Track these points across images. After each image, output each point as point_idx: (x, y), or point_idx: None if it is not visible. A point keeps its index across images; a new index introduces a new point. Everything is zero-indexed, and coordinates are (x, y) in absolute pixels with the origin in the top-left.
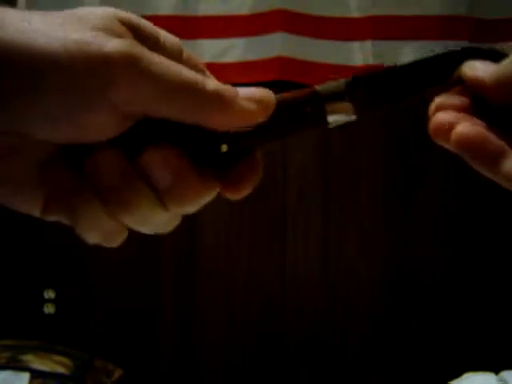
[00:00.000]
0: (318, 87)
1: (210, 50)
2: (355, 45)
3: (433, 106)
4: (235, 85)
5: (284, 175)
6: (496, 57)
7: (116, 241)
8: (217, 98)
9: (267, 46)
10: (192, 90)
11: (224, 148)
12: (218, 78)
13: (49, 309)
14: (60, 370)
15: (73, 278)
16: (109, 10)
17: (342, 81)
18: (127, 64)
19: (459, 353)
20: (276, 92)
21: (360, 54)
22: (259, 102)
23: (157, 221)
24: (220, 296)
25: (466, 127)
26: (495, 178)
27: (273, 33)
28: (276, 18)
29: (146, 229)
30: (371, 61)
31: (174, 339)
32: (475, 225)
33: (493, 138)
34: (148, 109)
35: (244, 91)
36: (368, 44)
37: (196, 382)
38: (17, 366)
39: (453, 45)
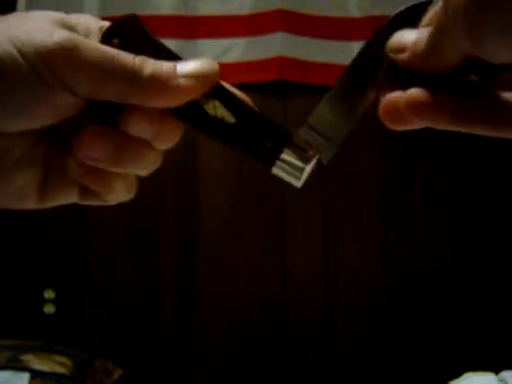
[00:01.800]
0: (295, 133)
1: (210, 49)
2: (355, 45)
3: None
4: (235, 85)
5: None
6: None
7: (127, 193)
8: (153, 81)
9: (267, 45)
10: (128, 75)
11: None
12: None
13: (49, 309)
14: (60, 370)
15: (73, 278)
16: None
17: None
18: (67, 56)
19: (459, 353)
20: (278, 94)
21: None
22: (197, 77)
23: (149, 161)
24: (220, 296)
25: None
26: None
27: (273, 33)
28: (276, 17)
29: (141, 171)
30: None
31: (174, 339)
32: (475, 225)
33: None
34: (90, 94)
35: (183, 67)
36: None
37: (196, 382)
38: (17, 366)
39: None
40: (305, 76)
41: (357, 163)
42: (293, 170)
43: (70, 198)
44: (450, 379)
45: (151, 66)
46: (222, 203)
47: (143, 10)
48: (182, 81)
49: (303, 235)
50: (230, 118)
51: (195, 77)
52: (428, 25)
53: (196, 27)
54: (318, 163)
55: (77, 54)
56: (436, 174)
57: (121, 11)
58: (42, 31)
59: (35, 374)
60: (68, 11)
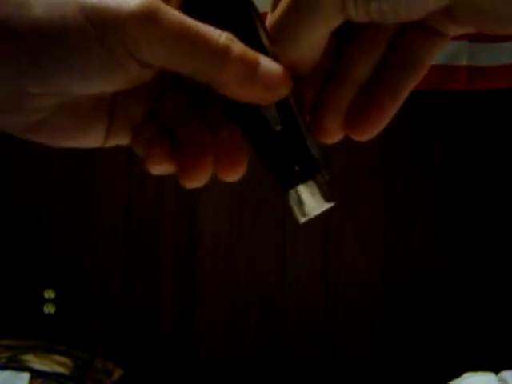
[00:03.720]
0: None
1: None
2: None
3: None
4: None
5: None
6: None
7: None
8: (236, 67)
9: None
10: (209, 54)
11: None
12: None
13: (49, 309)
14: (60, 370)
15: (73, 278)
16: None
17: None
18: (145, 25)
19: (459, 353)
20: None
21: None
22: (275, 85)
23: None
24: (220, 296)
25: None
26: None
27: None
28: None
29: None
30: None
31: (174, 339)
32: (475, 225)
33: None
34: (164, 68)
35: (266, 67)
36: None
37: (196, 382)
38: (17, 366)
39: (453, 44)
40: None
41: (356, 164)
42: (304, 205)
43: (125, 142)
44: (450, 379)
45: (237, 49)
46: (222, 203)
47: None
48: (267, 77)
49: (303, 235)
50: (276, 125)
51: (271, 87)
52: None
53: None
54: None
55: (154, 26)
56: (435, 174)
57: None
58: None
59: (35, 374)
60: None
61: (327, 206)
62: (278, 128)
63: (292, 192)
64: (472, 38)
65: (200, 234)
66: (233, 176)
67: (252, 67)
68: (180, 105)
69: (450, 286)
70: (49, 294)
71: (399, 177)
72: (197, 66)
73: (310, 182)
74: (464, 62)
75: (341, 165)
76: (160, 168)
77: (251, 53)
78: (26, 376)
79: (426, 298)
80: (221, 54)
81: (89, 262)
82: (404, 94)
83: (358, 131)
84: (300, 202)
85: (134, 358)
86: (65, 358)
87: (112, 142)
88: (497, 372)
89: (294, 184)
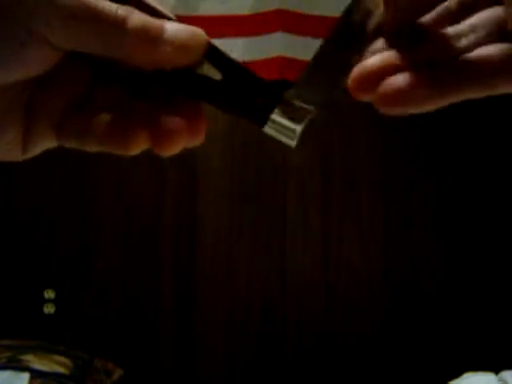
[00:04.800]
0: (287, 92)
1: None
2: None
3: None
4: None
5: (284, 175)
6: None
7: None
8: (138, 35)
9: (267, 45)
10: (109, 27)
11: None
12: None
13: (49, 309)
14: (60, 370)
15: (73, 278)
16: None
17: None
18: (42, 3)
19: (459, 353)
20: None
21: None
22: (187, 42)
23: None
24: (220, 296)
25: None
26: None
27: (273, 33)
28: (276, 17)
29: None
30: None
31: (174, 339)
32: (474, 226)
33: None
34: (66, 45)
35: (173, 28)
36: None
37: (196, 382)
38: (17, 366)
39: None
40: None
41: (357, 164)
42: (285, 130)
43: (49, 143)
44: (450, 379)
45: (136, 18)
46: (222, 203)
47: None
48: (170, 43)
49: (303, 235)
50: (216, 75)
51: (185, 42)
52: None
53: (196, 27)
54: (311, 121)
55: (52, 5)
56: (435, 174)
57: None
58: None
59: (35, 374)
60: None
61: (309, 116)
62: (220, 77)
63: (270, 123)
64: None
65: (200, 233)
66: (197, 139)
67: (155, 32)
68: (111, 90)
69: (450, 286)
70: (49, 294)
71: (399, 177)
72: (97, 42)
73: (280, 105)
74: None
75: (341, 164)
76: (138, 144)
77: (153, 20)
78: (25, 376)
79: (425, 298)
80: (119, 24)
81: (89, 262)
82: (451, 99)
83: (384, 99)
84: (282, 128)
85: (134, 358)
86: (65, 358)
87: (35, 148)
88: (497, 372)
89: (267, 114)
